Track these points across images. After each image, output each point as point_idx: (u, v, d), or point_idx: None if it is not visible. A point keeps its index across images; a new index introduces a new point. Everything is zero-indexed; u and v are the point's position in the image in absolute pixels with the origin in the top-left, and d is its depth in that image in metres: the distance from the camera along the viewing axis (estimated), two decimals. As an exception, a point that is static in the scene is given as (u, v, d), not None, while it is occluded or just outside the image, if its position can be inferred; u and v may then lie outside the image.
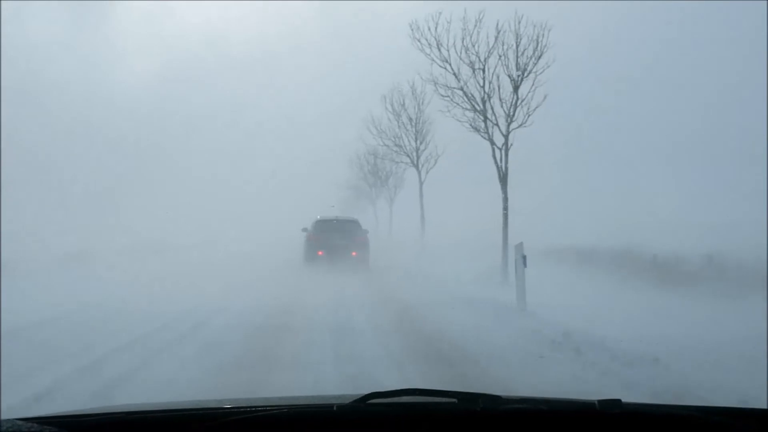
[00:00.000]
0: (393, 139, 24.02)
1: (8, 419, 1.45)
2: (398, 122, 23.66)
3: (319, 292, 11.71)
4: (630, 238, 14.95)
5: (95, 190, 29.53)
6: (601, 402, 1.70)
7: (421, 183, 23.54)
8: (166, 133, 40.63)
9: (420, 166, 23.46)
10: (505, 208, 12.95)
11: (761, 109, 19.94)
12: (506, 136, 12.92)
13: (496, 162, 12.99)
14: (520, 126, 12.89)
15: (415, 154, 23.48)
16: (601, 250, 15.61)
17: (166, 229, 27.27)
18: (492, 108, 13.01)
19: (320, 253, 16.19)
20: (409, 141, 23.56)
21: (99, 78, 39.13)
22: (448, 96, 13.63)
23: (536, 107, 12.74)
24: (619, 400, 1.71)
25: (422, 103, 23.28)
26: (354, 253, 16.13)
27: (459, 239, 21.55)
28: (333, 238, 16.31)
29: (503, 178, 12.95)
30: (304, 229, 17.38)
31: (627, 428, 1.70)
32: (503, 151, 12.92)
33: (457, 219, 25.02)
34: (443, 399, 1.74)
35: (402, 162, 24.70)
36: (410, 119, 23.52)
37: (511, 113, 12.81)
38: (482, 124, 13.15)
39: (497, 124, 12.99)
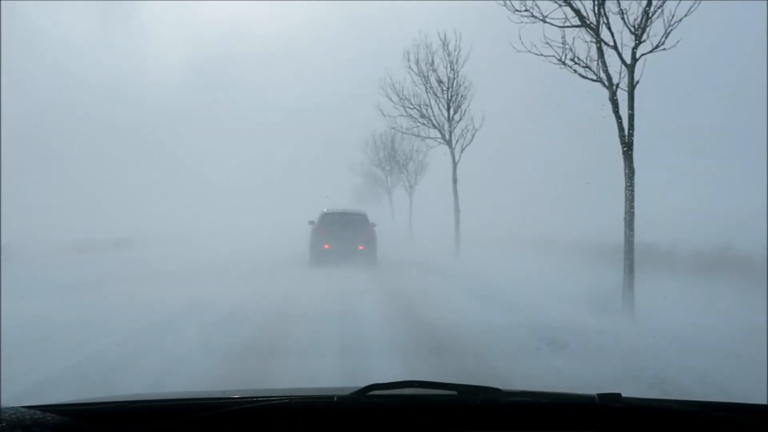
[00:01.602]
0: (418, 107, 18.94)
1: (12, 407, 1.45)
2: (426, 86, 18.57)
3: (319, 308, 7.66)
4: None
5: (113, 182, 29.86)
6: (601, 396, 1.66)
7: (454, 164, 18.45)
8: (178, 125, 38.01)
9: (454, 142, 18.35)
10: (631, 186, 7.81)
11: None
12: (631, 66, 7.77)
13: (615, 111, 7.85)
14: (654, 49, 7.73)
15: (447, 126, 18.37)
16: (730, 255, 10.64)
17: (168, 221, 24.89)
18: (607, 20, 7.85)
19: (326, 246, 15.73)
20: (440, 110, 18.46)
21: (117, 73, 36.80)
22: (527, 11, 8.50)
23: (684, 16, 7.60)
24: (619, 394, 1.65)
25: (456, 61, 18.24)
26: (361, 247, 15.74)
27: (511, 236, 16.41)
28: (339, 231, 15.87)
29: (626, 136, 7.82)
30: (311, 222, 16.58)
31: (627, 422, 1.65)
32: (615, 93, 7.82)
33: (504, 211, 19.88)
34: (443, 391, 1.70)
35: (430, 137, 19.54)
36: (440, 82, 18.43)
37: (642, 25, 7.66)
38: (589, 49, 7.99)
39: (616, 47, 7.83)
